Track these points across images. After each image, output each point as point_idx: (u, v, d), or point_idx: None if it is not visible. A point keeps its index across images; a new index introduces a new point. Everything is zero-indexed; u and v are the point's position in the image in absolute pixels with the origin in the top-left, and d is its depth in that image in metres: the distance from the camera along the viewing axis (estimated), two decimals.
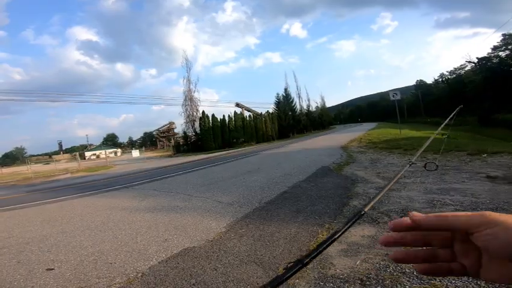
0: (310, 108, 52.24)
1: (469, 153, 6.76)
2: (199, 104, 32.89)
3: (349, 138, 17.40)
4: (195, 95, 32.66)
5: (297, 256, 2.44)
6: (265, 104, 63.48)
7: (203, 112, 32.32)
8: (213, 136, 31.43)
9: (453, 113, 2.71)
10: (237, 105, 41.07)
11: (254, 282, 2.14)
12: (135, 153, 37.41)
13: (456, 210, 3.08)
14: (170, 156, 30.75)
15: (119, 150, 71.94)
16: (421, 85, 59.54)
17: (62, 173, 20.37)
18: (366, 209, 0.32)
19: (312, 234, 2.91)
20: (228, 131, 32.77)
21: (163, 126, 68.84)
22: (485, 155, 6.36)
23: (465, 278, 1.84)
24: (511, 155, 5.90)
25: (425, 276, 1.86)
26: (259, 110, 42.88)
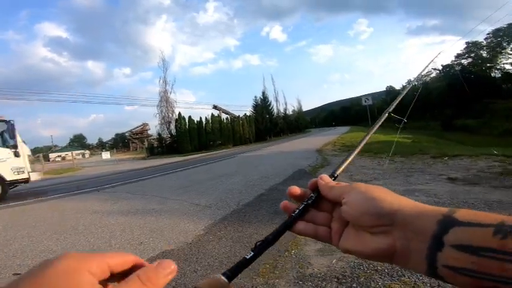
0: (287, 112, 53.18)
1: (432, 156, 7.27)
2: (175, 105, 32.16)
3: (324, 141, 17.96)
4: (171, 96, 31.91)
5: (275, 257, 2.50)
6: (242, 107, 63.74)
7: (179, 114, 31.64)
8: (189, 138, 30.84)
9: (381, 120, 2.91)
10: (215, 107, 40.76)
11: (235, 282, 2.14)
12: (105, 155, 35.68)
13: None
14: (144, 158, 29.70)
15: (87, 151, 68.22)
16: (390, 91, 63.03)
17: None
18: (338, 173, 0.35)
19: (290, 235, 2.98)
20: (204, 133, 32.35)
21: (137, 127, 66.48)
22: (447, 158, 6.87)
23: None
24: (470, 158, 6.44)
25: (395, 273, 1.99)
26: (236, 113, 42.87)
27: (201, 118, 33.47)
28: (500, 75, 37.13)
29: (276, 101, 48.40)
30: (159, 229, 3.68)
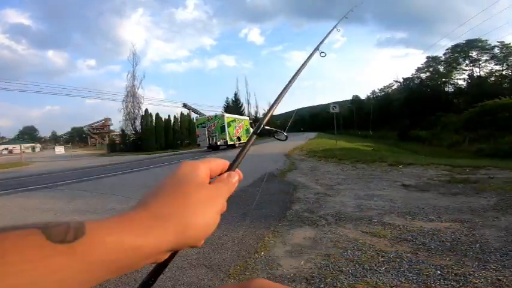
0: (258, 115, 53.78)
1: (389, 164, 7.83)
2: (142, 101, 30.87)
3: (293, 146, 18.41)
4: (139, 91, 30.60)
5: (245, 259, 2.51)
6: (214, 107, 63.02)
7: (146, 110, 30.38)
8: (155, 136, 29.68)
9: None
10: (185, 106, 39.74)
11: (205, 284, 2.14)
12: (59, 149, 32.93)
13: (378, 214, 3.56)
14: (103, 155, 27.88)
15: (39, 145, 62.22)
16: (356, 100, 66.53)
17: None
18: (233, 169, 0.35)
19: (259, 236, 3.02)
20: (172, 132, 31.36)
21: (97, 122, 62.34)
22: (402, 166, 7.45)
23: (393, 274, 2.16)
24: (421, 167, 7.05)
25: (359, 274, 2.12)
26: (207, 113, 42.31)
27: (169, 116, 32.44)
28: (453, 89, 40.42)
29: (248, 103, 48.78)
30: None
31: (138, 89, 30.36)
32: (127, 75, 30.67)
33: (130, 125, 30.25)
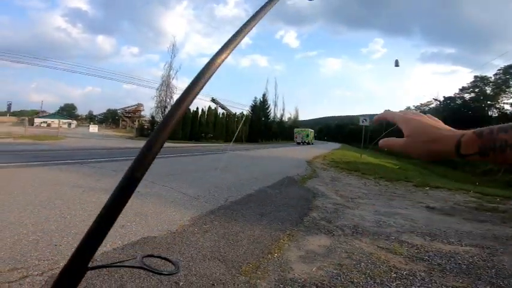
0: (283, 118, 53.61)
1: (415, 185, 7.53)
2: (175, 91, 32.01)
3: (315, 154, 18.19)
4: (173, 81, 31.76)
5: (258, 258, 2.57)
6: (241, 105, 63.76)
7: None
8: (181, 126, 30.63)
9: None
10: (213, 100, 40.58)
11: (217, 278, 2.20)
12: (93, 128, 34.97)
13: (397, 231, 3.48)
14: (131, 138, 29.25)
15: (74, 122, 66.47)
16: None
17: (2, 136, 18.26)
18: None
19: (274, 238, 3.07)
20: (198, 124, 32.20)
21: (131, 106, 65.45)
22: (428, 188, 7.14)
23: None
24: (449, 191, 6.72)
25: (369, 287, 2.11)
26: (233, 110, 42.95)
27: (197, 108, 33.33)
28: (497, 114, 36.93)
29: (275, 105, 48.86)
30: (143, 214, 3.64)
31: (172, 79, 31.55)
32: (164, 65, 32.19)
33: (160, 112, 31.47)
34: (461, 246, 3.07)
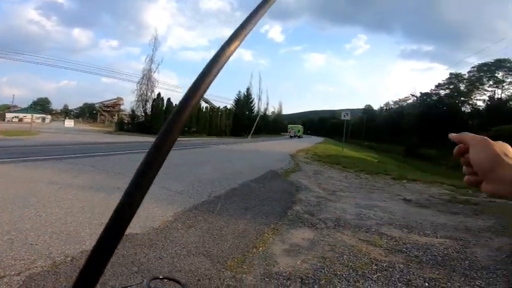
0: (267, 112, 54.04)
1: (393, 178, 7.82)
2: (156, 85, 31.27)
3: (298, 147, 18.42)
4: (155, 75, 30.97)
5: (243, 252, 2.58)
6: (225, 99, 63.37)
7: (159, 94, 30.83)
8: (164, 120, 29.89)
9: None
10: None
11: (202, 274, 2.19)
12: (69, 122, 33.36)
13: (377, 224, 3.60)
14: (111, 132, 28.26)
15: (49, 116, 63.17)
16: (368, 110, 65.76)
17: None
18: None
19: (259, 232, 3.09)
20: None
21: (110, 100, 63.05)
22: (405, 181, 7.44)
23: (384, 282, 2.21)
24: (425, 184, 7.04)
25: (351, 279, 2.17)
26: (217, 104, 42.54)
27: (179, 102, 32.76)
28: (470, 110, 38.45)
29: (259, 99, 49.12)
30: None
31: (154, 72, 30.77)
32: (145, 58, 31.09)
33: (141, 106, 30.64)
34: (436, 238, 3.20)
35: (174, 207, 3.79)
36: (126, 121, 34.23)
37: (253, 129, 32.04)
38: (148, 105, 30.96)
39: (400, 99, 55.33)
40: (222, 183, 5.60)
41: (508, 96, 34.82)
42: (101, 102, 66.51)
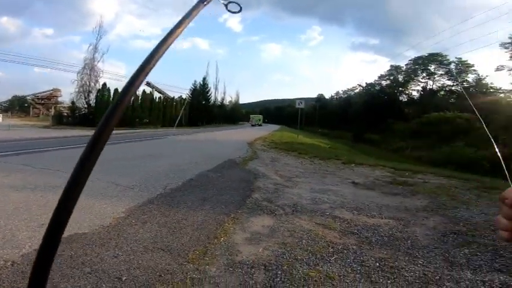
0: (224, 102, 53.73)
1: (343, 162, 8.38)
2: (101, 75, 28.54)
3: (256, 136, 18.64)
4: (99, 64, 28.19)
5: (205, 244, 2.53)
6: (180, 89, 61.22)
7: (104, 84, 28.18)
8: None
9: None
10: (148, 84, 37.48)
11: (163, 269, 2.10)
12: None
13: (331, 207, 3.80)
14: (47, 127, 25.12)
15: None
16: (320, 99, 69.23)
17: None
18: None
19: (219, 222, 3.05)
20: (131, 109, 29.52)
21: (44, 92, 55.70)
22: (353, 165, 8.04)
23: (341, 264, 2.35)
24: (370, 167, 7.68)
25: (312, 263, 2.26)
26: (172, 94, 40.60)
27: None
28: (406, 99, 43.16)
29: (216, 89, 48.49)
30: None
31: (98, 62, 27.99)
32: (88, 47, 27.89)
33: (83, 97, 27.70)
34: (382, 219, 3.46)
35: (125, 203, 3.54)
36: (65, 114, 30.76)
37: (179, 117, 30.96)
38: (92, 96, 28.24)
39: (348, 89, 59.37)
40: (178, 174, 5.40)
41: (438, 87, 39.61)
42: (33, 95, 58.41)
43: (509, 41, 25.31)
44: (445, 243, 2.73)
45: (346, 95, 58.98)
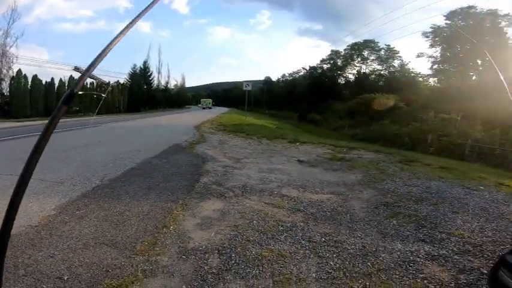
0: (169, 85, 51.38)
1: (289, 141, 8.76)
2: (15, 61, 24.29)
3: (203, 119, 18.16)
4: (12, 50, 23.90)
5: (153, 234, 2.42)
6: (117, 73, 56.57)
7: (19, 71, 24.03)
8: (30, 101, 23.95)
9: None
10: (77, 69, 32.85)
11: (110, 264, 1.96)
12: None
13: (278, 186, 3.92)
14: None
15: None
16: (267, 81, 70.28)
17: None
18: None
19: (167, 210, 2.94)
20: (56, 97, 25.81)
21: None
22: (298, 143, 8.48)
23: (291, 242, 2.49)
24: (313, 145, 8.19)
25: (264, 243, 2.33)
26: (107, 78, 36.66)
27: (52, 79, 26.64)
28: (344, 82, 47.16)
29: (159, 72, 46.55)
30: None
31: (10, 47, 23.62)
32: None
33: None
34: (324, 194, 3.68)
35: (55, 200, 3.15)
36: None
37: (99, 105, 28.69)
38: (5, 85, 23.98)
39: (293, 72, 61.63)
40: (117, 163, 4.99)
41: (370, 71, 43.88)
42: None
43: (430, 30, 28.93)
44: (377, 215, 2.99)
45: (291, 78, 61.25)
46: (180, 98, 58.63)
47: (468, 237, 2.49)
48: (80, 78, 0.42)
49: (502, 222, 2.80)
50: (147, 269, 1.92)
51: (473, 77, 26.26)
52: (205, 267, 1.96)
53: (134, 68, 40.39)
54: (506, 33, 24.03)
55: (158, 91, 45.40)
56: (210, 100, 64.02)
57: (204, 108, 53.84)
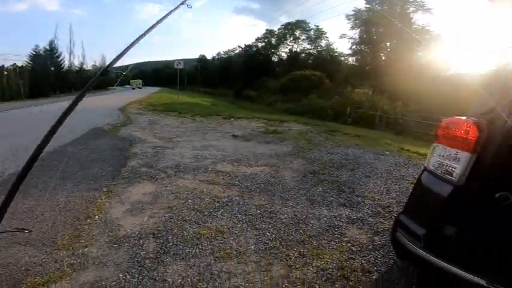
0: (85, 67, 45.22)
1: (224, 117, 8.72)
2: None
3: (129, 100, 16.47)
4: None
5: (75, 226, 2.17)
6: (16, 56, 47.23)
7: None
8: None
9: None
10: None
11: (30, 262, 1.74)
12: None
13: (213, 162, 3.90)
14: None
15: None
16: (202, 59, 67.07)
17: None
18: None
19: (89, 200, 2.66)
20: None
21: None
22: (233, 119, 8.52)
23: (228, 217, 2.52)
24: (247, 119, 8.31)
25: (200, 221, 2.31)
26: (3, 63, 30.05)
27: None
28: (277, 60, 48.83)
29: (71, 53, 40.38)
30: None
31: None
32: None
33: None
34: (258, 167, 3.77)
35: None
36: None
37: None
38: None
39: (229, 50, 60.47)
40: (18, 156, 4.21)
41: (301, 50, 46.29)
42: None
43: (353, 13, 31.34)
44: (306, 183, 3.19)
45: (227, 56, 60.07)
46: (102, 80, 52.03)
47: (378, 199, 2.78)
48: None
49: (403, 184, 3.21)
50: (75, 262, 1.75)
51: (383, 57, 29.86)
52: (142, 253, 1.87)
53: (36, 49, 35.12)
54: (412, 18, 27.68)
55: (71, 73, 40.07)
56: (140, 81, 64.49)
57: (133, 88, 52.61)
